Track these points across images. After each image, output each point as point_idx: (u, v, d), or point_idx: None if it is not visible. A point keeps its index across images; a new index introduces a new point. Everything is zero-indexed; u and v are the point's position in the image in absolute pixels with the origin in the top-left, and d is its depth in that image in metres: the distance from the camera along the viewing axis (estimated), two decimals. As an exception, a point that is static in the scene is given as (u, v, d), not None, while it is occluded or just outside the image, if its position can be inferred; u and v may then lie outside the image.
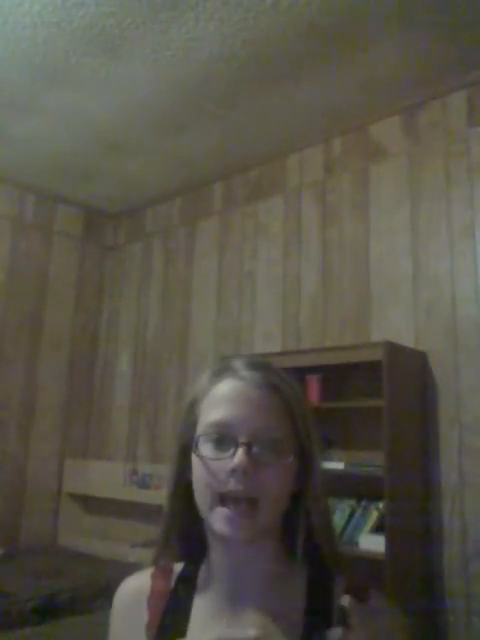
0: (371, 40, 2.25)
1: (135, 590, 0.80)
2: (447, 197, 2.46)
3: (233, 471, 0.69)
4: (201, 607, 0.74)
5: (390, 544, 2.04)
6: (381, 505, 2.20)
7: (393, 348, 2.25)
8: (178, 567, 0.80)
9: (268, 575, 0.74)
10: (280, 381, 0.76)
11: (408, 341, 2.41)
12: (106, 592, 2.55)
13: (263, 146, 3.07)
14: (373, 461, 2.31)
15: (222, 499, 0.70)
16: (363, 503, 2.32)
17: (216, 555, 0.75)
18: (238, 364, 0.78)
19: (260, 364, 0.78)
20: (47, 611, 2.30)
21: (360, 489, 2.36)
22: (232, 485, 0.69)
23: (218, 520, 0.70)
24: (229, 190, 3.38)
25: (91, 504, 3.52)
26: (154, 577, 0.80)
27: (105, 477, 3.47)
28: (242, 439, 0.70)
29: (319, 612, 0.70)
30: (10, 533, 3.29)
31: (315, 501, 0.75)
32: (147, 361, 3.59)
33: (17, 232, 3.59)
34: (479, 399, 2.23)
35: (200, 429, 0.74)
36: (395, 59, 2.36)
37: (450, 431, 2.28)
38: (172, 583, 0.78)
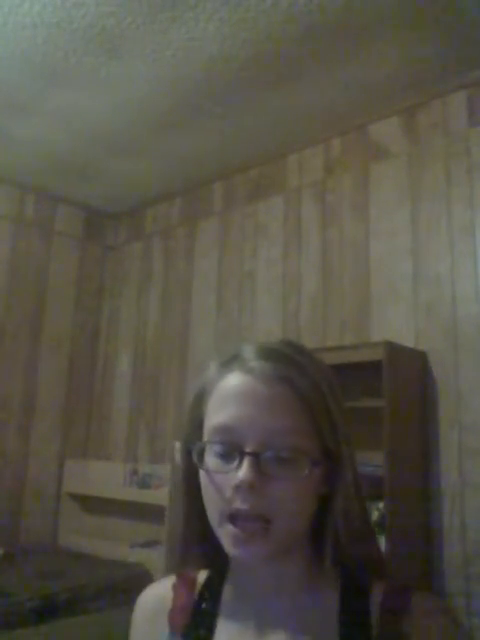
0: (371, 40, 2.25)
1: (157, 601, 0.72)
2: (447, 197, 2.46)
3: (238, 487, 0.59)
4: (226, 625, 0.66)
5: (390, 544, 2.04)
6: (381, 505, 2.19)
7: (393, 348, 2.25)
8: (202, 576, 0.71)
9: (298, 589, 0.65)
10: (296, 372, 0.63)
11: (408, 341, 2.41)
12: (106, 592, 2.55)
13: (263, 146, 3.07)
14: (373, 461, 2.31)
15: (231, 516, 0.60)
16: (363, 503, 2.32)
17: (240, 568, 0.67)
18: (248, 352, 0.66)
19: (273, 352, 0.65)
20: (47, 611, 2.30)
21: (360, 489, 2.36)
22: (238, 503, 0.59)
23: (226, 540, 0.61)
24: (229, 190, 3.38)
25: (91, 504, 3.52)
26: (176, 588, 0.71)
27: (105, 477, 3.47)
28: (248, 448, 0.59)
29: (355, 625, 0.61)
30: (10, 533, 3.29)
31: (344, 505, 0.63)
32: (147, 361, 3.59)
33: (17, 232, 3.59)
34: (479, 399, 2.23)
35: (205, 434, 0.65)
36: (395, 59, 2.36)
37: (450, 431, 2.28)
38: (196, 595, 0.69)
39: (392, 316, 2.53)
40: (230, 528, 0.60)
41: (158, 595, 0.72)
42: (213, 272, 3.34)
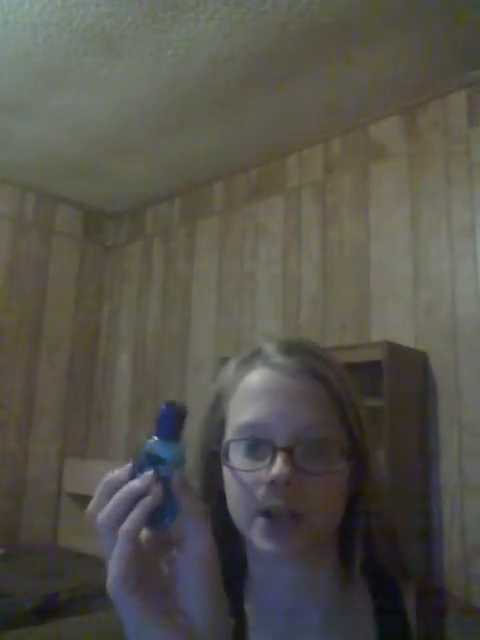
0: (371, 40, 2.25)
1: None
2: (447, 197, 2.46)
3: (272, 483, 0.57)
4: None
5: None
6: (381, 505, 2.19)
7: (393, 348, 2.25)
8: None
9: (329, 593, 0.62)
10: (323, 365, 0.62)
11: (408, 341, 2.41)
12: (106, 592, 2.55)
13: (263, 146, 3.07)
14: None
15: (263, 512, 0.58)
16: (363, 503, 2.32)
17: (262, 578, 0.63)
18: (270, 348, 0.65)
19: (297, 346, 0.65)
20: (47, 611, 2.30)
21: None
22: (271, 500, 0.57)
23: (257, 534, 0.58)
24: (229, 190, 3.38)
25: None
26: None
27: (105, 477, 3.46)
28: (281, 443, 0.58)
29: (393, 627, 0.60)
30: (10, 533, 3.29)
31: (374, 502, 0.62)
32: (147, 361, 3.59)
33: (17, 232, 3.59)
34: (479, 399, 2.23)
35: (229, 433, 0.62)
36: (395, 59, 2.36)
37: (450, 431, 2.28)
38: None
39: (392, 316, 2.53)
40: (262, 521, 0.58)
41: None
42: (213, 272, 3.34)
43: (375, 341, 2.43)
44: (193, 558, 0.49)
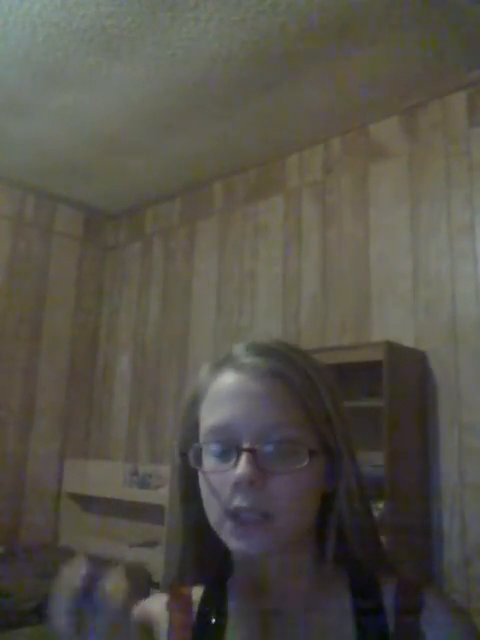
0: (371, 40, 2.25)
1: (152, 620, 0.68)
2: (447, 197, 2.46)
3: (237, 484, 0.58)
4: (235, 636, 0.63)
5: (390, 544, 2.04)
6: (381, 505, 2.19)
7: (393, 348, 2.25)
8: (197, 593, 0.68)
9: (308, 589, 0.64)
10: (288, 366, 0.62)
11: (408, 341, 2.41)
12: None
13: (263, 146, 3.07)
14: (373, 461, 2.31)
15: (232, 514, 0.59)
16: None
17: (244, 576, 0.66)
18: (239, 350, 0.65)
19: (264, 348, 0.65)
20: (47, 611, 2.30)
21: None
22: (238, 501, 0.58)
23: (227, 535, 0.60)
24: (229, 190, 3.38)
25: (91, 504, 3.52)
26: (171, 609, 0.67)
27: (105, 477, 3.47)
28: (245, 444, 0.59)
29: (371, 624, 0.61)
30: (10, 533, 3.29)
31: (346, 501, 0.63)
32: (147, 361, 3.59)
33: (17, 232, 3.59)
34: (479, 399, 2.23)
35: (201, 436, 0.64)
36: (395, 59, 2.36)
37: (450, 431, 2.28)
38: (193, 616, 0.66)
39: (392, 316, 2.53)
40: (230, 524, 0.59)
41: (153, 613, 0.68)
42: (213, 272, 3.34)
43: (375, 341, 2.43)
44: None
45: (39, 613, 2.28)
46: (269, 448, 0.59)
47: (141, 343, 3.66)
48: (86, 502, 3.55)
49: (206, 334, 3.28)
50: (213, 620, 0.64)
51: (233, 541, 0.59)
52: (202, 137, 2.99)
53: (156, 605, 0.69)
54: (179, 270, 3.54)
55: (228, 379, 0.63)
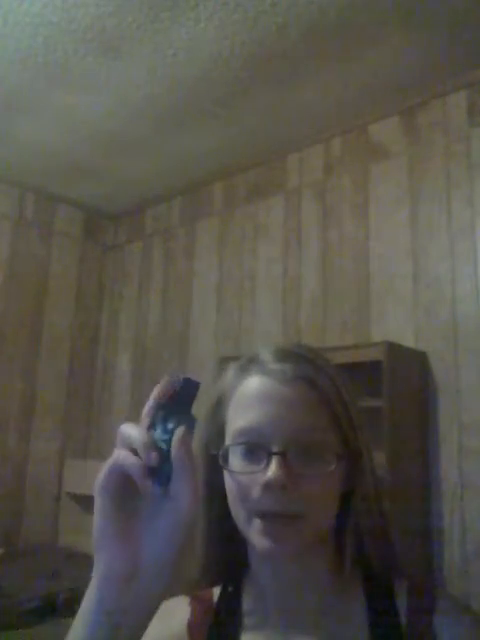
0: (371, 40, 2.25)
1: (174, 623, 0.68)
2: (447, 197, 2.46)
3: (267, 486, 0.59)
4: (251, 637, 0.65)
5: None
6: (381, 505, 2.19)
7: (393, 348, 2.25)
8: (215, 592, 0.70)
9: (323, 591, 0.65)
10: (315, 371, 0.65)
11: (408, 341, 2.41)
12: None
13: (263, 146, 3.07)
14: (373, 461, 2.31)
15: (260, 513, 0.61)
16: (363, 503, 2.32)
17: (263, 577, 0.66)
18: (266, 355, 0.67)
19: (291, 353, 0.67)
20: (47, 611, 2.30)
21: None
22: (268, 503, 0.60)
23: (257, 535, 0.61)
24: (229, 190, 3.38)
25: (91, 504, 3.50)
26: (192, 609, 0.69)
27: (105, 477, 3.46)
28: (275, 448, 0.60)
29: (385, 626, 0.61)
30: (10, 533, 3.29)
31: (365, 502, 0.65)
32: (147, 361, 3.59)
33: (17, 232, 3.59)
34: (479, 399, 2.23)
35: (228, 437, 0.65)
36: (395, 59, 2.36)
37: (450, 431, 2.28)
38: (212, 613, 0.68)
39: (392, 316, 2.53)
40: (259, 522, 0.60)
41: (175, 616, 0.68)
42: (213, 272, 3.34)
43: (375, 341, 2.43)
44: (174, 511, 0.52)
45: (39, 613, 2.28)
46: (299, 452, 0.61)
47: (141, 343, 3.66)
48: (86, 502, 3.54)
49: (206, 334, 3.28)
50: (224, 621, 0.66)
51: (262, 540, 0.60)
52: (202, 137, 2.99)
53: (178, 607, 0.69)
54: (179, 270, 3.54)
55: (256, 383, 0.65)
